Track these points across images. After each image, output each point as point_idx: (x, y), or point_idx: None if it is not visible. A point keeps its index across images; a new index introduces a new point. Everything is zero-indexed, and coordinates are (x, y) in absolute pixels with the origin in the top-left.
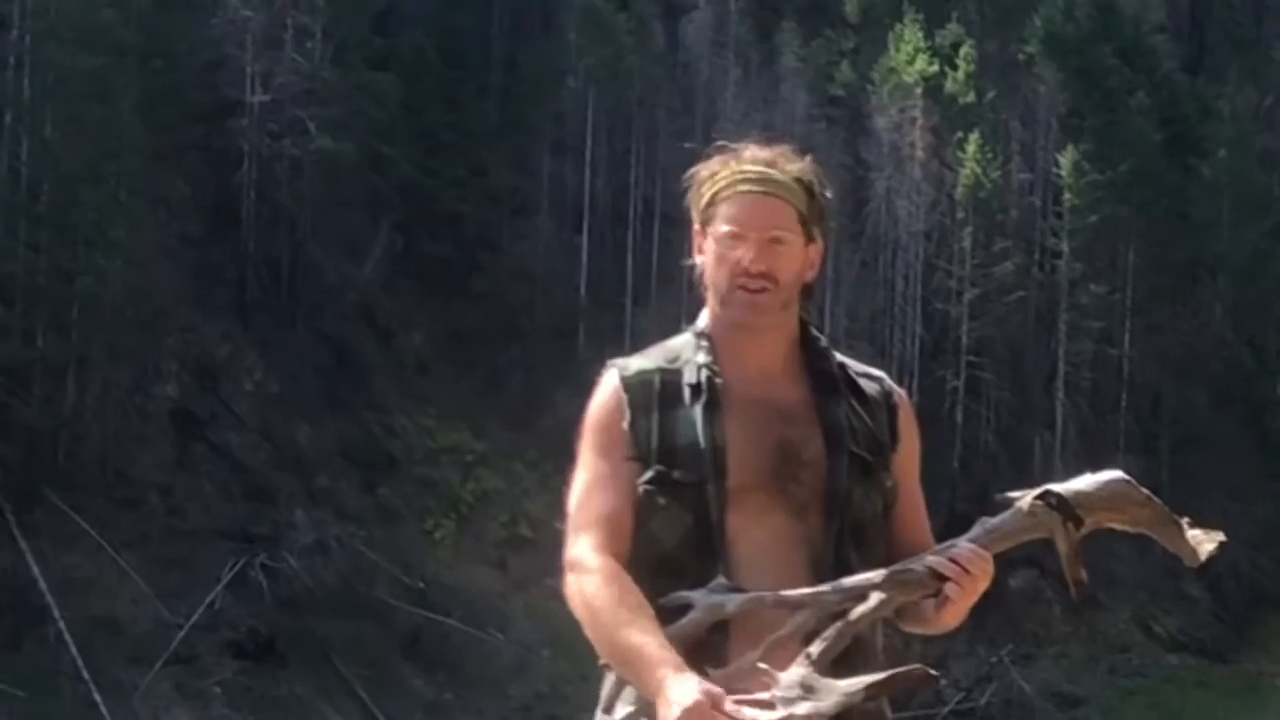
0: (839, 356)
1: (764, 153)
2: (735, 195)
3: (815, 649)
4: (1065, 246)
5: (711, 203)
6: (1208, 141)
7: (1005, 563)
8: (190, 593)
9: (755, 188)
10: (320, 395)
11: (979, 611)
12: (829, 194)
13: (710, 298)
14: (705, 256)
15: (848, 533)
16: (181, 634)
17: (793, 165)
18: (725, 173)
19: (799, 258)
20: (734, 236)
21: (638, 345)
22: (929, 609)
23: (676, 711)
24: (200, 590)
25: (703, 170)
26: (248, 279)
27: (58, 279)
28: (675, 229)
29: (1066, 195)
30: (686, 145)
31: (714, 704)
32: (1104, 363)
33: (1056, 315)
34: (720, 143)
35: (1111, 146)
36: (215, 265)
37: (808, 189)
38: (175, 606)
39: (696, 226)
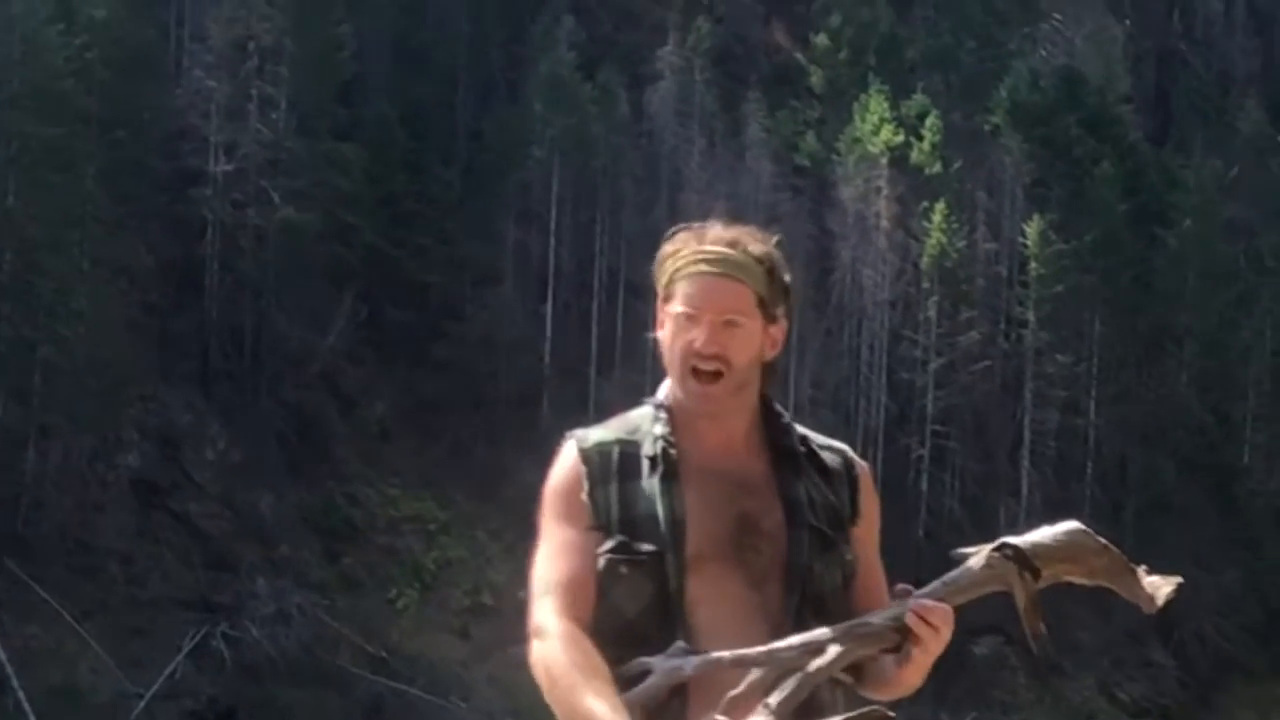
0: (801, 429)
1: (727, 233)
2: (692, 276)
3: (774, 699)
4: (1031, 315)
5: (671, 281)
6: (1173, 211)
7: (969, 629)
8: (151, 662)
9: (712, 269)
10: (283, 464)
11: (943, 678)
12: (788, 277)
13: (669, 375)
14: (664, 333)
15: (808, 605)
16: (142, 704)
17: (755, 246)
18: (686, 251)
19: (755, 340)
20: (688, 318)
21: (601, 415)
22: (889, 668)
23: None
24: (161, 660)
25: (666, 247)
26: (210, 348)
27: (19, 347)
28: (640, 298)
29: (1032, 264)
30: (651, 215)
31: None
32: (1069, 431)
33: (1022, 384)
34: (686, 224)
35: (1077, 216)
36: (178, 334)
37: (769, 270)
38: (136, 676)
39: (660, 300)
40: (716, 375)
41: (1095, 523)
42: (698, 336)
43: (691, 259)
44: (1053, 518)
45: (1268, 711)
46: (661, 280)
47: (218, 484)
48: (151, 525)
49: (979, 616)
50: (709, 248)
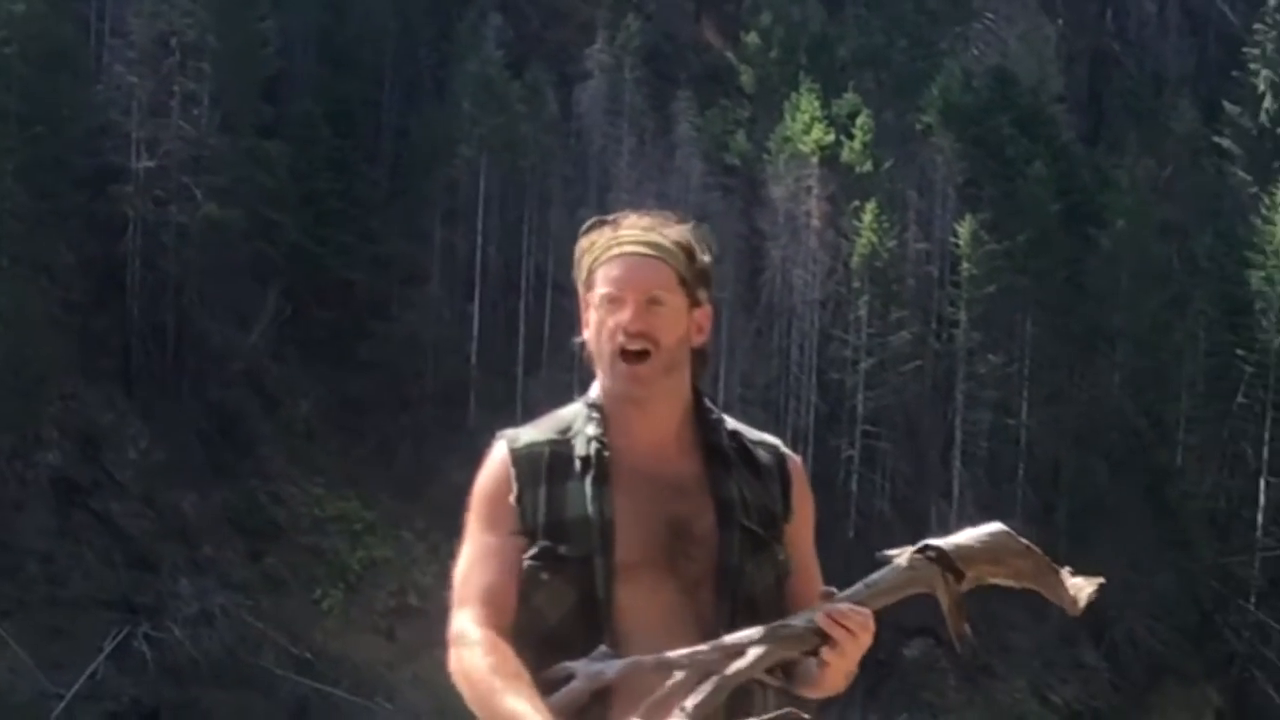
0: (732, 424)
1: (642, 219)
2: (611, 259)
3: (690, 702)
4: (963, 316)
5: (590, 270)
6: (1106, 212)
7: (900, 631)
8: (71, 663)
9: (631, 249)
10: (205, 463)
11: (874, 680)
12: (708, 258)
13: (598, 370)
14: (589, 326)
15: (741, 608)
16: (62, 705)
17: (671, 230)
18: (602, 240)
19: (681, 320)
20: (612, 299)
21: (529, 414)
22: (814, 669)
23: None
24: (82, 660)
25: (582, 241)
26: (132, 346)
27: None
28: (568, 298)
29: (964, 265)
30: (580, 214)
31: None
32: (1001, 432)
33: (953, 384)
34: (598, 218)
35: (1009, 216)
36: (99, 332)
37: (687, 252)
38: (56, 677)
39: (582, 300)
40: (644, 354)
41: (1027, 524)
42: (623, 316)
43: (609, 244)
44: (985, 519)
45: (1200, 713)
46: (581, 274)
47: (139, 483)
48: (72, 524)
49: (910, 618)
50: (625, 232)
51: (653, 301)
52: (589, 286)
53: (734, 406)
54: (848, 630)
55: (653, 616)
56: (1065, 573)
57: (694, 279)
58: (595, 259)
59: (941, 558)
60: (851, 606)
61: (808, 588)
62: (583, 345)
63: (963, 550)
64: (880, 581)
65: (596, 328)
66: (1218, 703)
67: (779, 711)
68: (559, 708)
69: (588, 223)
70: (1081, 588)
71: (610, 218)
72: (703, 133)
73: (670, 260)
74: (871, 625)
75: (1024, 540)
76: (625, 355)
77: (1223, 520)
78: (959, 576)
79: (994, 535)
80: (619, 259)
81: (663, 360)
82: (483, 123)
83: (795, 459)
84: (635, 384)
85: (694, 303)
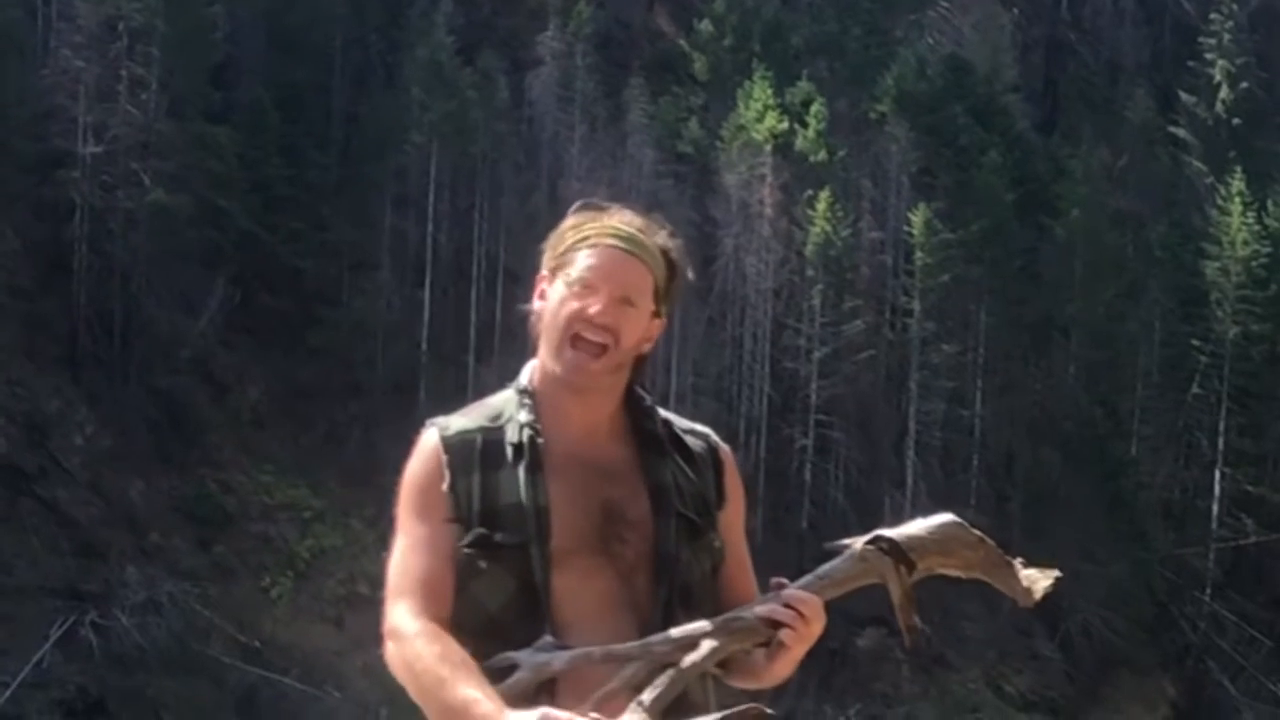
0: (664, 414)
1: (636, 219)
2: (598, 247)
3: (647, 696)
4: (916, 305)
5: (569, 249)
6: (1061, 201)
7: (853, 621)
8: (17, 651)
9: (622, 244)
10: (153, 450)
11: (826, 670)
12: (685, 277)
13: (542, 348)
14: (546, 302)
15: (676, 595)
16: (8, 692)
17: (662, 237)
18: (593, 225)
19: (643, 325)
20: (585, 285)
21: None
22: (759, 659)
23: None
24: (28, 648)
25: (571, 219)
26: (79, 332)
27: None
28: (519, 285)
29: (918, 254)
30: (531, 201)
31: None
32: (955, 422)
33: (907, 374)
34: (590, 200)
35: (964, 205)
36: (45, 318)
37: (670, 266)
38: (1, 664)
39: (544, 272)
40: (602, 349)
41: (981, 514)
42: (592, 304)
43: (600, 231)
44: (938, 509)
45: (1155, 704)
46: (557, 248)
47: (86, 470)
48: (18, 511)
49: (863, 608)
50: (620, 225)
51: (625, 300)
52: (562, 264)
53: (686, 395)
54: (803, 620)
55: (590, 603)
56: (1018, 564)
57: (666, 291)
58: (582, 239)
59: (893, 549)
60: (804, 596)
61: (740, 576)
62: (530, 315)
63: (914, 541)
64: (832, 572)
65: (557, 305)
66: (1172, 694)
67: (742, 707)
68: (504, 698)
69: (580, 202)
70: (1036, 580)
71: (604, 205)
72: (655, 120)
73: (653, 268)
74: (823, 616)
75: (976, 531)
76: (581, 342)
77: (1178, 511)
78: (910, 568)
79: (945, 526)
80: (607, 249)
81: (615, 359)
82: (433, 109)
83: (726, 448)
84: (581, 375)
85: (656, 313)
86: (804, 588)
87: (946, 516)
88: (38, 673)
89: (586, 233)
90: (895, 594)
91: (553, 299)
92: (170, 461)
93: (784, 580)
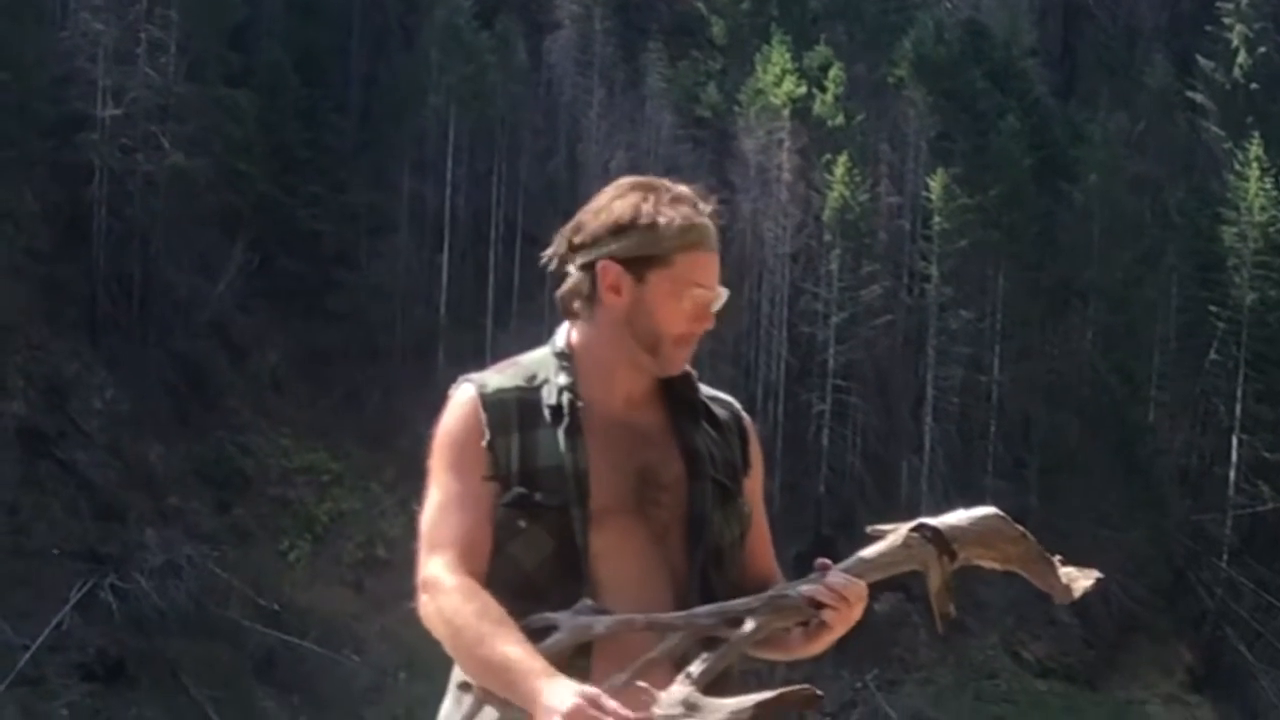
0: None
1: (699, 200)
2: (701, 253)
3: (695, 669)
4: (934, 270)
5: (668, 247)
6: (1079, 166)
7: (870, 587)
8: (37, 613)
9: (713, 245)
10: (172, 414)
11: (844, 636)
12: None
13: (620, 337)
14: (636, 301)
15: (709, 558)
16: (28, 655)
17: (713, 218)
18: (679, 219)
19: None
20: (703, 303)
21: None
22: (795, 636)
23: (556, 719)
24: (47, 611)
25: (636, 203)
26: (98, 296)
27: None
28: (537, 249)
29: (936, 219)
30: (549, 165)
31: (593, 704)
32: (973, 388)
33: (925, 339)
34: (646, 180)
35: (982, 170)
36: (65, 282)
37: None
38: (21, 627)
39: (614, 259)
40: (693, 342)
41: (998, 480)
42: (701, 314)
43: (703, 232)
44: (955, 475)
45: (1172, 670)
46: (633, 238)
47: (105, 433)
48: (37, 474)
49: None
50: (705, 221)
51: (717, 299)
52: (652, 259)
53: (704, 360)
54: (846, 602)
55: (626, 563)
56: (1057, 561)
57: None
58: (685, 241)
59: (937, 538)
60: (849, 579)
61: (761, 543)
62: (575, 299)
63: (957, 531)
64: (876, 557)
65: (666, 314)
66: (1189, 660)
67: (798, 686)
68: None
69: (655, 189)
70: (1075, 578)
71: (679, 193)
72: (673, 84)
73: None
74: (864, 599)
75: (1018, 526)
76: (685, 341)
77: (1195, 477)
78: (952, 557)
79: (988, 518)
80: (708, 254)
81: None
82: (452, 72)
83: (748, 417)
84: (681, 368)
85: None
86: (848, 570)
87: (989, 509)
88: (57, 635)
89: (690, 234)
90: (934, 582)
91: (651, 299)
92: (189, 425)
93: (828, 561)
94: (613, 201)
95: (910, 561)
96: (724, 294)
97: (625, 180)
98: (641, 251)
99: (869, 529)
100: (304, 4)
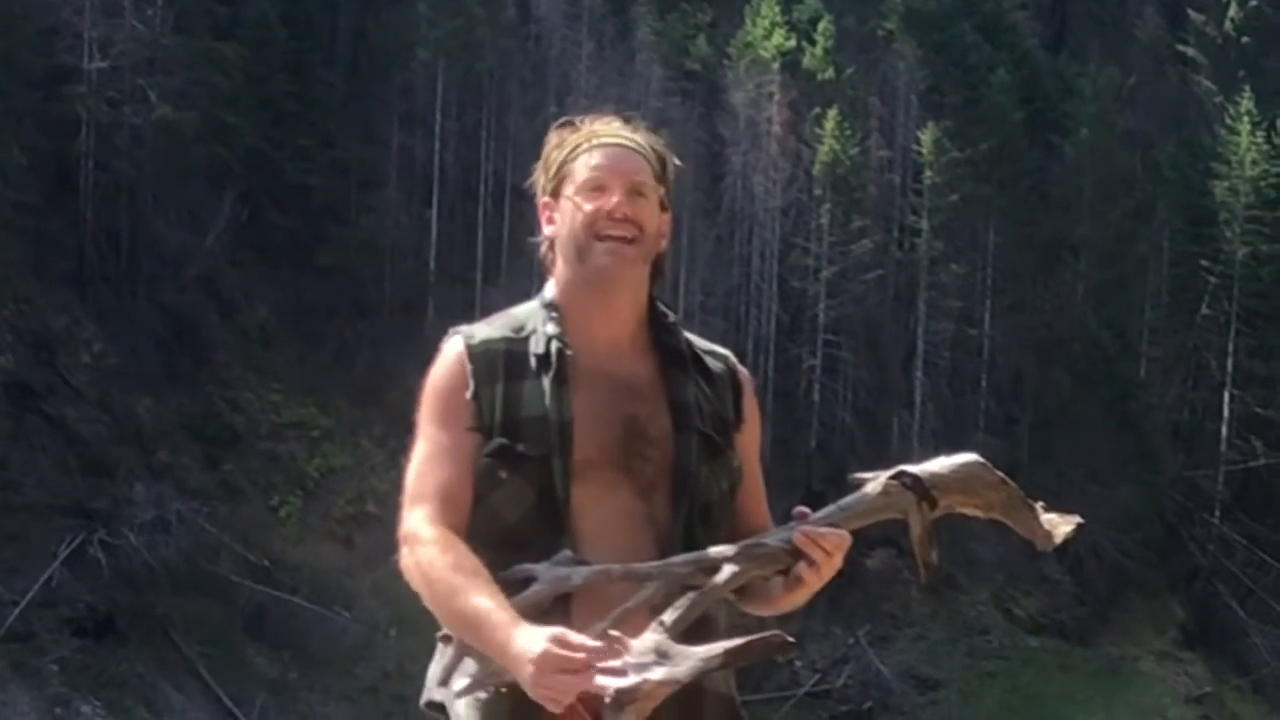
0: (685, 334)
1: (614, 122)
2: (594, 149)
3: (668, 617)
4: (925, 225)
5: (564, 163)
6: (1069, 120)
7: (862, 543)
8: (26, 569)
9: (616, 140)
10: (161, 368)
11: (836, 591)
12: (674, 164)
13: (564, 262)
14: (560, 219)
15: (696, 513)
16: (17, 611)
17: (642, 134)
18: (578, 136)
19: (657, 215)
20: (596, 185)
21: None
22: (776, 588)
23: (528, 667)
24: (36, 566)
25: (553, 139)
26: (86, 249)
27: None
28: (526, 203)
29: (926, 173)
30: (538, 119)
31: (560, 643)
32: (963, 342)
33: (915, 294)
34: (566, 118)
35: (972, 124)
36: (52, 235)
37: (659, 156)
38: (10, 583)
39: (545, 198)
40: (628, 240)
41: (989, 435)
42: (609, 201)
43: (589, 138)
44: (946, 430)
45: (1163, 627)
46: (550, 170)
47: (94, 388)
48: (25, 429)
49: (872, 530)
50: (602, 128)
51: (635, 191)
52: (560, 179)
53: (694, 315)
54: (824, 551)
55: (609, 517)
56: (1039, 508)
57: (663, 180)
58: (572, 151)
59: (916, 485)
60: (829, 528)
61: (754, 499)
62: (542, 245)
63: (937, 478)
64: (854, 505)
65: (573, 212)
66: (1181, 616)
67: (766, 634)
68: (520, 610)
69: (556, 123)
70: (1057, 524)
71: (577, 119)
72: (663, 37)
73: (648, 158)
74: (846, 546)
75: (998, 472)
76: (607, 238)
77: (1187, 433)
78: (932, 504)
79: (968, 465)
80: (602, 149)
81: (644, 248)
82: (440, 26)
83: (745, 371)
84: (618, 262)
85: (662, 206)
86: (826, 519)
87: (970, 456)
88: (46, 591)
89: (576, 142)
90: (916, 530)
91: (564, 213)
92: (178, 379)
93: (806, 510)
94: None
95: (890, 509)
96: (644, 182)
97: None
98: (551, 175)
99: (851, 477)
100: None
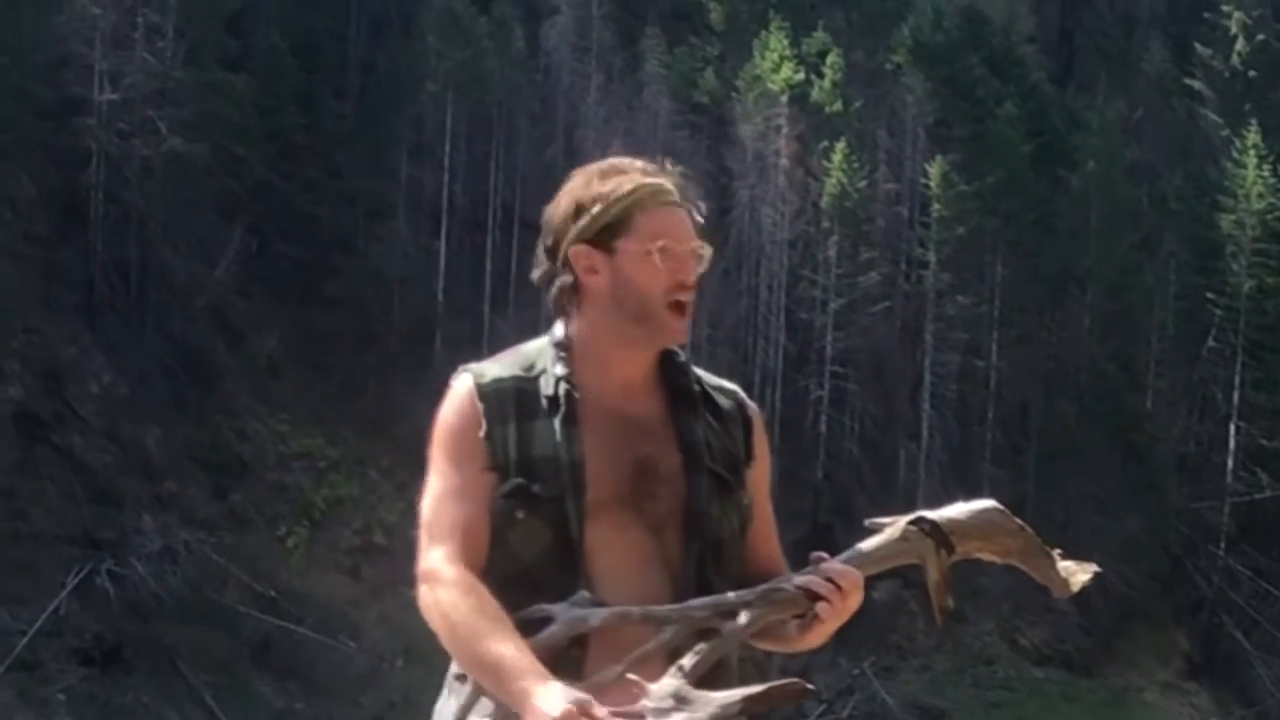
0: (694, 370)
1: (661, 169)
2: (660, 208)
3: (688, 661)
4: (932, 257)
5: (622, 215)
6: (1077, 153)
7: (867, 579)
8: (34, 598)
9: (673, 199)
10: (169, 398)
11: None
12: (703, 209)
13: (614, 315)
14: (616, 272)
15: (707, 551)
16: (24, 640)
17: (678, 179)
18: (641, 188)
19: None
20: (671, 254)
21: (495, 352)
22: (793, 629)
23: None
24: (44, 596)
25: (591, 186)
26: (95, 280)
27: None
28: (535, 235)
29: (934, 205)
30: (547, 151)
31: (582, 711)
32: (970, 374)
33: (923, 326)
34: (611, 162)
35: (980, 157)
36: (62, 266)
37: (699, 206)
38: (18, 612)
39: (580, 245)
40: (688, 310)
41: (995, 467)
42: (685, 271)
43: (652, 192)
44: (953, 462)
45: (1169, 658)
46: (602, 218)
47: (102, 418)
48: (34, 459)
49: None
50: (662, 182)
51: (695, 254)
52: (618, 233)
53: (702, 347)
54: (842, 594)
55: (622, 556)
56: (1056, 555)
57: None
58: (635, 204)
59: (935, 531)
60: (845, 570)
61: (765, 536)
62: (556, 288)
63: (955, 525)
64: (873, 551)
65: (649, 275)
66: (1186, 647)
67: (786, 680)
68: (536, 651)
69: (600, 167)
70: (1074, 572)
71: (623, 163)
72: (671, 70)
73: (696, 214)
74: (861, 592)
75: (1017, 520)
76: (680, 309)
77: (1192, 465)
78: (950, 550)
79: (987, 512)
80: (669, 208)
81: (692, 311)
82: (449, 58)
83: (754, 407)
84: (679, 337)
85: None
86: (844, 563)
87: (988, 502)
88: (54, 621)
89: (640, 196)
90: (932, 576)
91: (626, 270)
92: (186, 410)
93: (824, 555)
94: (565, 193)
95: (908, 555)
96: (704, 248)
97: (575, 171)
98: (600, 223)
99: (867, 522)
100: None
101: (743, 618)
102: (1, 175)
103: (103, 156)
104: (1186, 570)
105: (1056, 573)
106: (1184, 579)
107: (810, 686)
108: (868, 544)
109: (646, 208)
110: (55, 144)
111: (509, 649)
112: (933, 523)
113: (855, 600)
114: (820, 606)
